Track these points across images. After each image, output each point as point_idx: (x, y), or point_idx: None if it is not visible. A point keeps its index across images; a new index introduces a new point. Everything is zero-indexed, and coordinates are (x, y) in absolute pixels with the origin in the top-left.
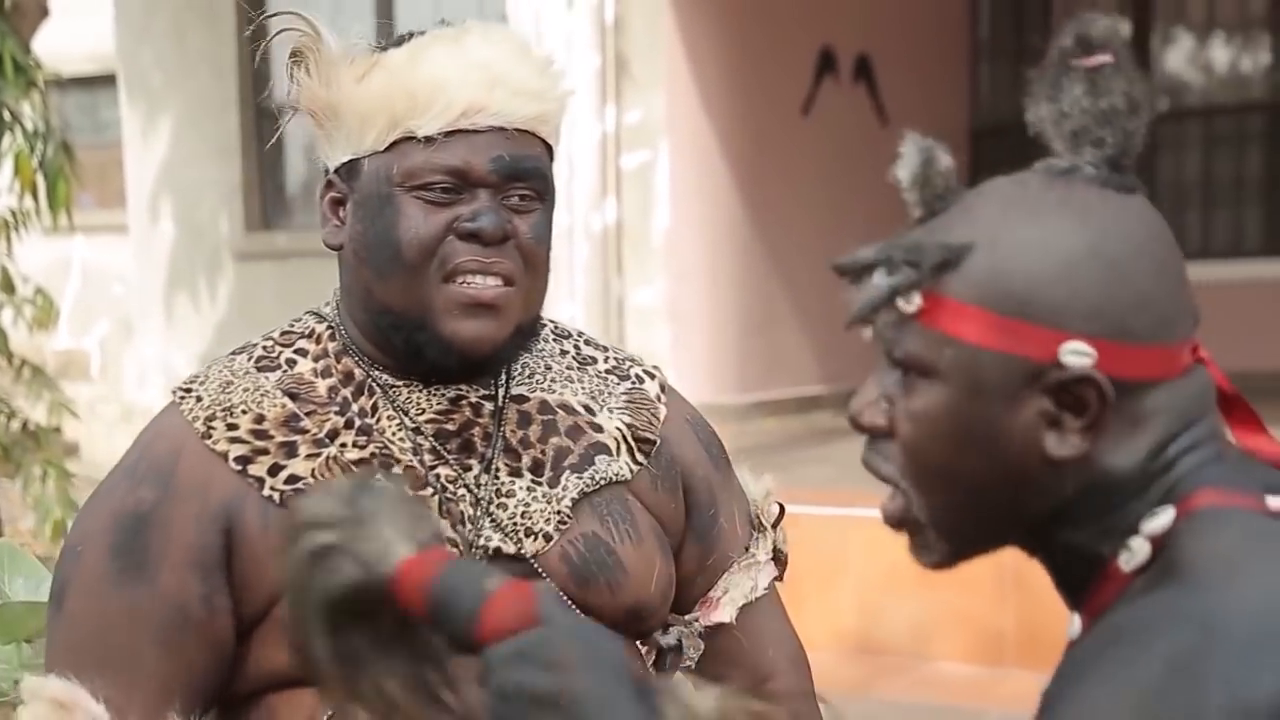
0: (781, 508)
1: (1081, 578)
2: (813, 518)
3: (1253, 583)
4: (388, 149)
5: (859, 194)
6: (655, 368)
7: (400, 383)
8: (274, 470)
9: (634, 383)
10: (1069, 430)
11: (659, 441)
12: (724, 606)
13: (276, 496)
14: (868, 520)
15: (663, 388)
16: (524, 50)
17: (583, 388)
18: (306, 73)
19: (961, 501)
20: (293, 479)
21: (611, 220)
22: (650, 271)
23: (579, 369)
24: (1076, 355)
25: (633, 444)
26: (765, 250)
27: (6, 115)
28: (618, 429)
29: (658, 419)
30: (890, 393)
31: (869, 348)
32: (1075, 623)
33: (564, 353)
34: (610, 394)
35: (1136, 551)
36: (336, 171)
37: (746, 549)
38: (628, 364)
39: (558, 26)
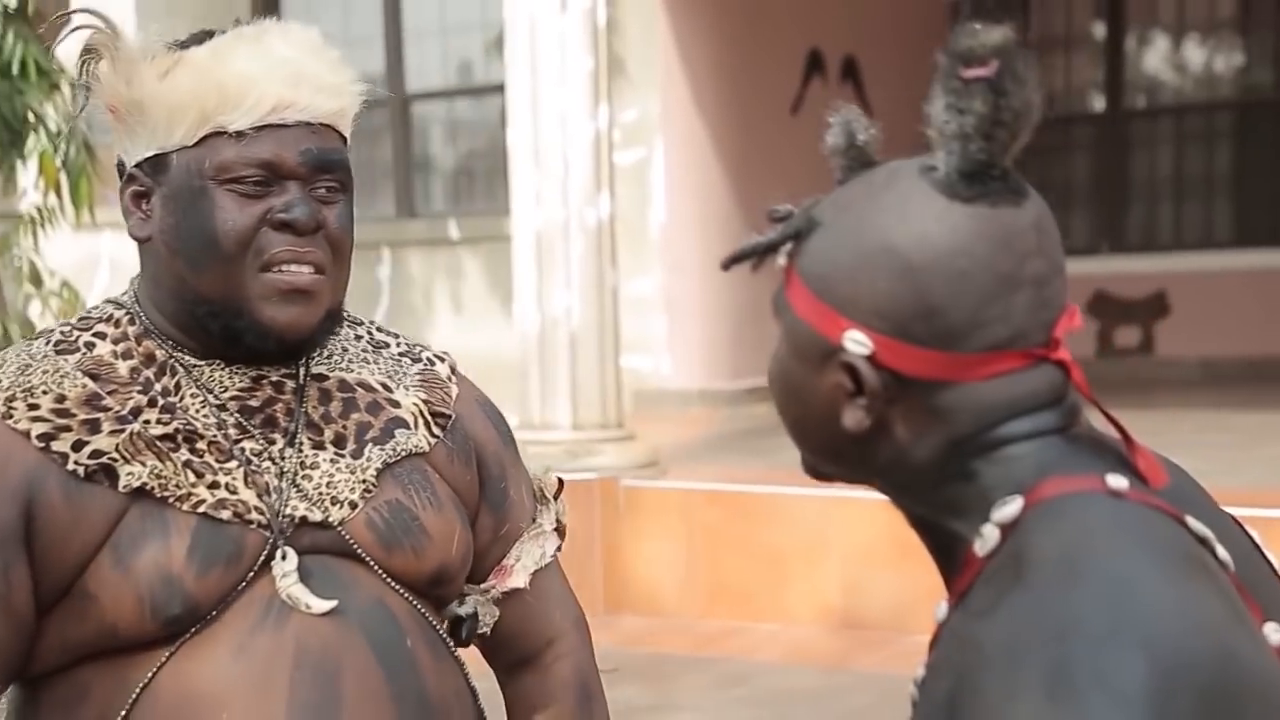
0: (561, 481)
1: (949, 555)
2: (798, 498)
3: (1095, 576)
4: (197, 144)
5: None
6: (445, 353)
7: (203, 363)
8: (77, 446)
9: (426, 365)
10: (858, 405)
11: (454, 417)
12: (518, 573)
13: (80, 471)
14: (850, 500)
15: (452, 369)
16: (320, 48)
17: (379, 368)
18: (101, 69)
19: (797, 434)
20: (96, 454)
21: (605, 214)
22: (647, 263)
23: (374, 352)
24: (854, 343)
25: (429, 418)
26: None
27: (30, 117)
28: (414, 404)
29: (450, 396)
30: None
31: None
32: (941, 607)
33: (359, 337)
34: (405, 374)
35: (988, 538)
36: (139, 165)
37: (534, 519)
38: (418, 349)
39: (551, 28)
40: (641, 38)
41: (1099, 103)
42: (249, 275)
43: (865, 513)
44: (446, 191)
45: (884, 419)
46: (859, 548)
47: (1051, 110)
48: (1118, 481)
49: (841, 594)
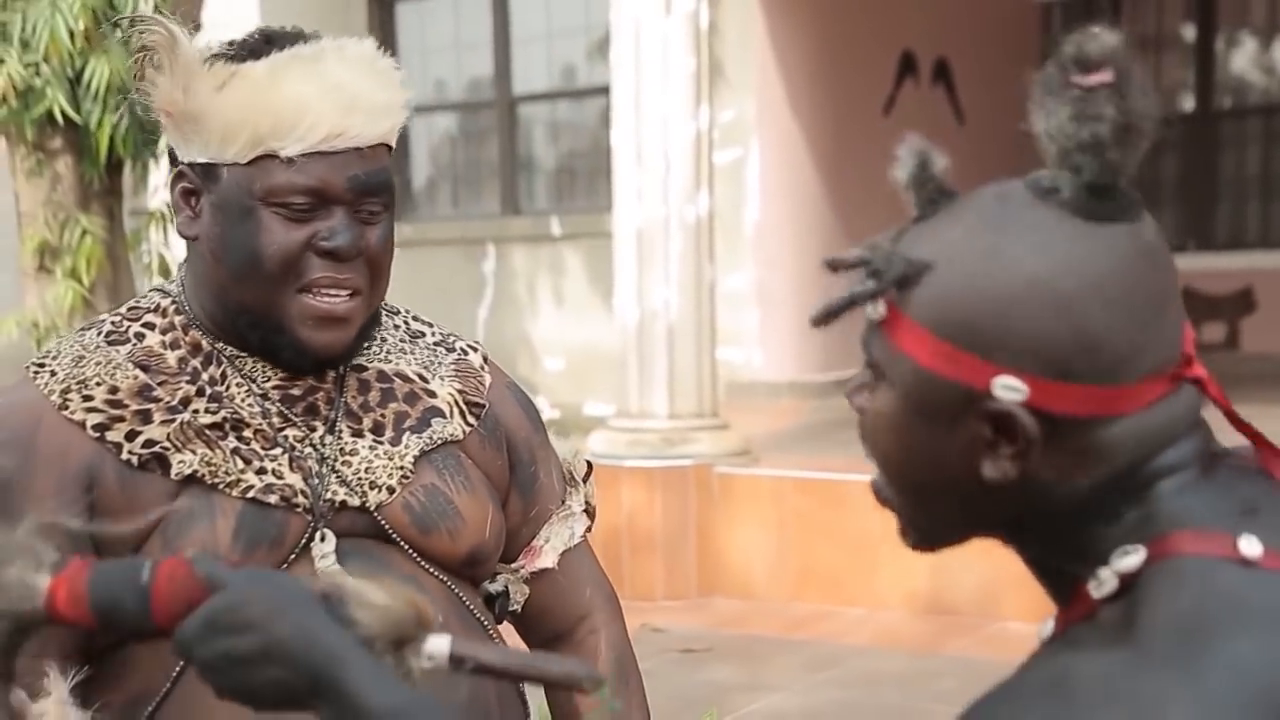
0: (590, 465)
1: (1056, 586)
2: None
3: (1210, 652)
4: (248, 163)
5: None
6: (476, 342)
7: (244, 354)
8: (131, 436)
9: (460, 354)
10: (1001, 456)
11: (487, 405)
12: (546, 553)
13: (134, 460)
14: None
15: (485, 359)
16: (374, 66)
17: (415, 358)
18: (158, 71)
19: (913, 498)
20: (149, 443)
21: (704, 212)
22: (741, 259)
23: (410, 341)
24: (1007, 390)
25: (464, 408)
26: (848, 240)
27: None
28: (450, 394)
29: (484, 385)
30: (866, 381)
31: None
32: (1049, 623)
33: (396, 326)
34: (440, 364)
35: (1105, 583)
36: (190, 165)
37: (563, 502)
38: (452, 338)
39: (655, 31)
40: (739, 40)
41: (1189, 102)
42: (288, 296)
43: None
44: (549, 190)
45: (1029, 467)
46: None
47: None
48: (1251, 547)
49: (929, 579)
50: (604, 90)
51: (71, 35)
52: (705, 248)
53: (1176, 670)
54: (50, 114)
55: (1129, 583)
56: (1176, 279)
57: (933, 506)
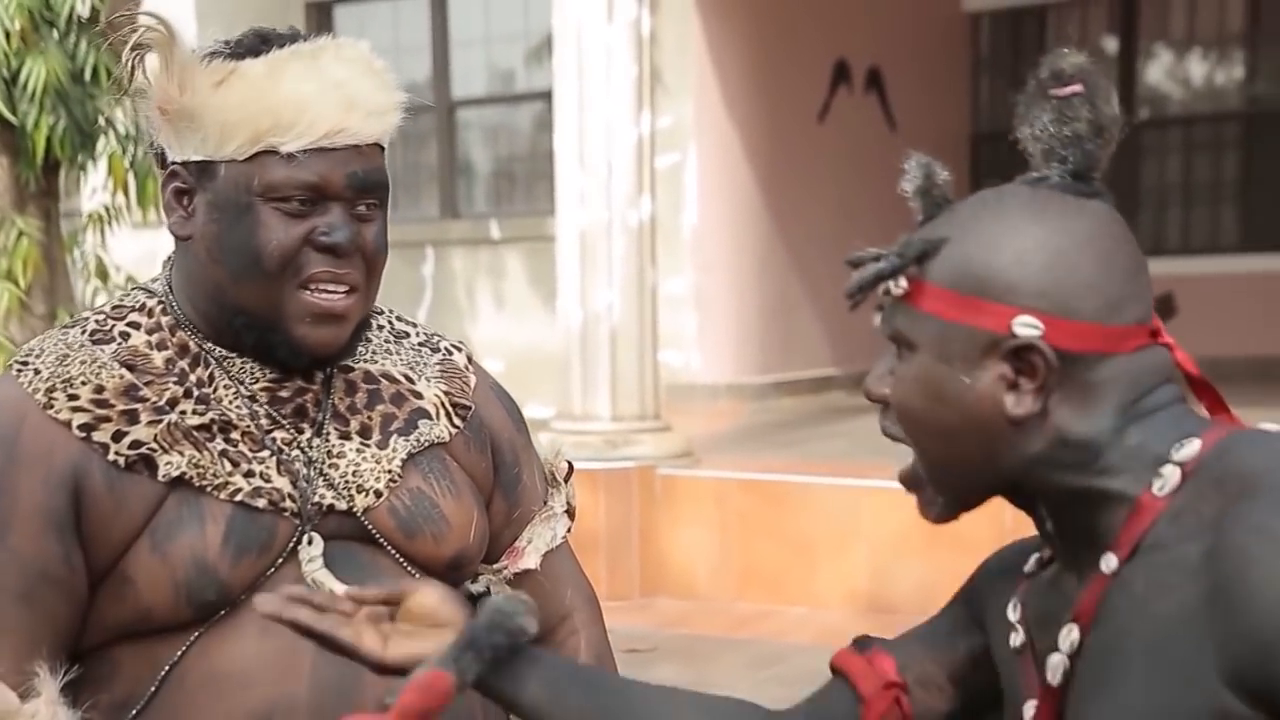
0: (570, 465)
1: (1099, 516)
2: (827, 488)
3: None
4: (247, 159)
5: (870, 194)
6: (460, 342)
7: (233, 355)
8: (117, 436)
9: (444, 355)
10: (1024, 392)
11: (472, 407)
12: (529, 554)
13: (121, 461)
14: (878, 490)
15: (469, 359)
16: (371, 66)
17: (401, 359)
18: (153, 69)
19: (945, 454)
20: (136, 444)
21: (646, 216)
22: (679, 263)
23: (395, 342)
24: (1025, 326)
25: (450, 409)
26: (784, 244)
27: (101, 120)
28: (436, 396)
29: (469, 386)
30: (891, 366)
31: (879, 333)
32: (1110, 558)
33: (380, 327)
34: (425, 364)
35: (1168, 478)
36: (184, 165)
37: (545, 503)
38: (436, 338)
39: (598, 37)
40: (677, 47)
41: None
42: (287, 293)
43: (893, 501)
44: (488, 193)
45: (1047, 402)
46: (887, 535)
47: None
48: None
49: (869, 579)
50: (542, 95)
51: (8, 36)
52: (647, 251)
53: None
54: None
55: (1189, 471)
56: (1144, 259)
57: (965, 459)
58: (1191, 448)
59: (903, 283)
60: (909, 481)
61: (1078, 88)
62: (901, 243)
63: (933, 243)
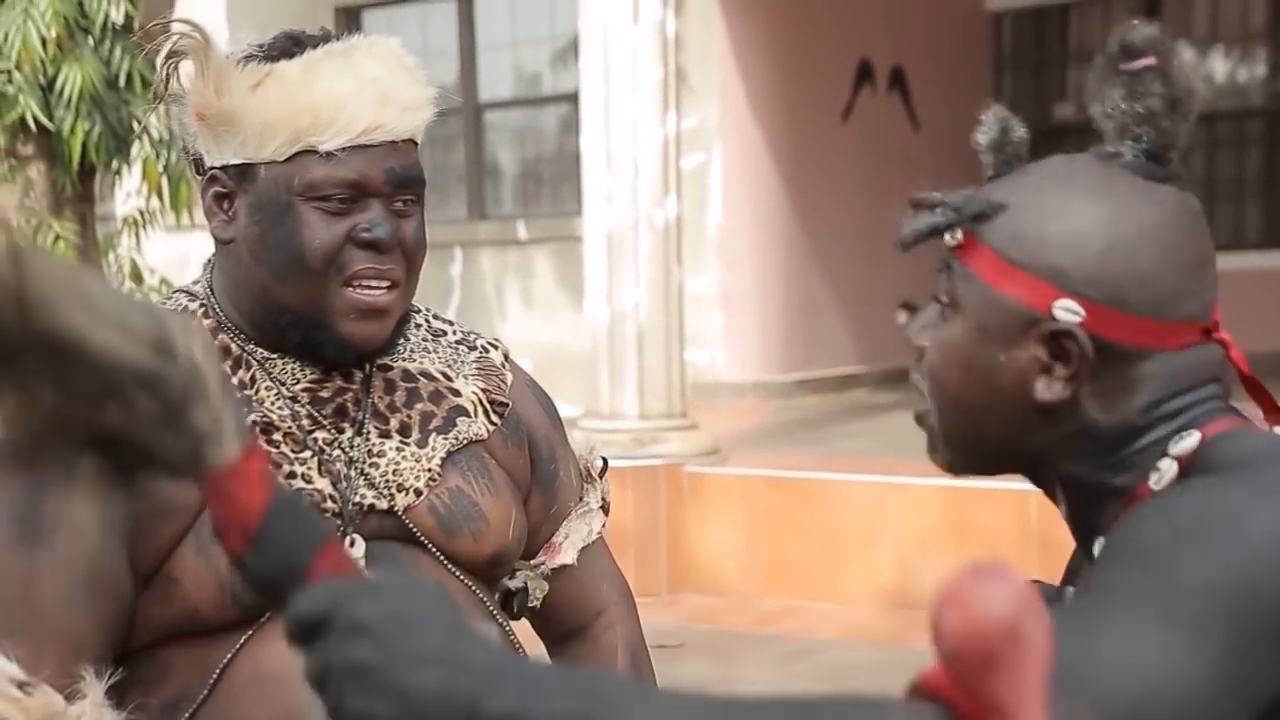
0: (605, 461)
1: (1099, 508)
2: (853, 484)
3: (1270, 485)
4: (286, 160)
5: (893, 192)
6: (496, 340)
7: (275, 356)
8: None
9: (481, 352)
10: (1056, 378)
11: (510, 404)
12: (565, 550)
13: None
14: (904, 486)
15: (505, 356)
16: (403, 63)
17: (439, 357)
18: (190, 75)
19: (964, 422)
20: None
21: (672, 215)
22: (705, 262)
23: (433, 340)
24: (1066, 311)
25: (488, 406)
26: (808, 243)
27: (135, 125)
28: (473, 393)
29: (506, 384)
30: (934, 319)
31: (902, 330)
32: (1100, 544)
33: (418, 326)
34: (463, 362)
35: (1165, 471)
36: (223, 169)
37: (580, 498)
38: (473, 336)
39: (624, 39)
40: (702, 49)
41: None
42: (331, 290)
43: (919, 498)
44: (515, 195)
45: (1078, 390)
46: (913, 531)
47: (1087, 118)
48: None
49: (896, 575)
50: (568, 97)
51: (44, 43)
52: (673, 250)
53: (1249, 485)
54: (23, 120)
55: (1185, 466)
56: (1212, 250)
57: (983, 433)
58: (1190, 441)
59: (958, 234)
60: (922, 423)
61: (1150, 61)
62: (963, 196)
63: (993, 205)
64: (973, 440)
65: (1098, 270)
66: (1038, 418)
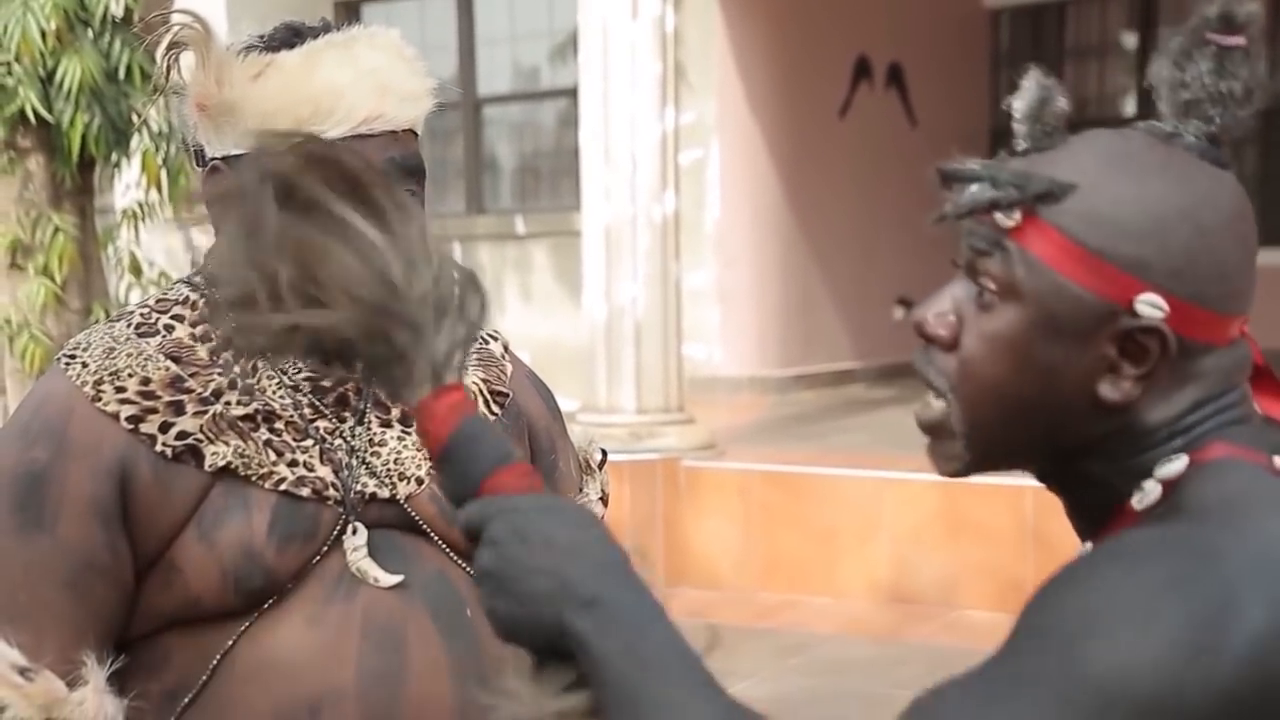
0: (604, 453)
1: (1099, 510)
2: (849, 479)
3: (1251, 524)
4: None
5: (890, 189)
6: (496, 331)
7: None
8: (164, 428)
9: (481, 343)
10: (1125, 377)
11: (510, 395)
12: None
13: (168, 452)
14: (899, 481)
15: (505, 348)
16: (402, 53)
17: None
18: (191, 66)
19: (1002, 422)
20: (182, 435)
21: (670, 210)
22: (702, 257)
23: None
24: (1150, 306)
25: (488, 396)
26: (805, 239)
27: (135, 118)
28: (474, 383)
29: (505, 374)
30: (962, 309)
31: (899, 326)
32: (1086, 549)
33: None
34: None
35: (1148, 492)
36: (225, 160)
37: (580, 489)
38: None
39: (623, 34)
40: (700, 44)
41: (1130, 108)
42: None
43: (915, 493)
44: (513, 189)
45: (1146, 389)
46: (909, 526)
47: (1084, 116)
48: None
49: (891, 570)
50: (567, 92)
51: (43, 35)
52: (671, 245)
53: (1225, 529)
54: (22, 113)
55: (1170, 490)
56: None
57: (1022, 431)
58: (1177, 465)
59: (1016, 215)
60: (933, 428)
61: (1243, 40)
62: (1019, 172)
63: (1060, 186)
64: (1005, 438)
65: (1183, 261)
66: (1089, 417)
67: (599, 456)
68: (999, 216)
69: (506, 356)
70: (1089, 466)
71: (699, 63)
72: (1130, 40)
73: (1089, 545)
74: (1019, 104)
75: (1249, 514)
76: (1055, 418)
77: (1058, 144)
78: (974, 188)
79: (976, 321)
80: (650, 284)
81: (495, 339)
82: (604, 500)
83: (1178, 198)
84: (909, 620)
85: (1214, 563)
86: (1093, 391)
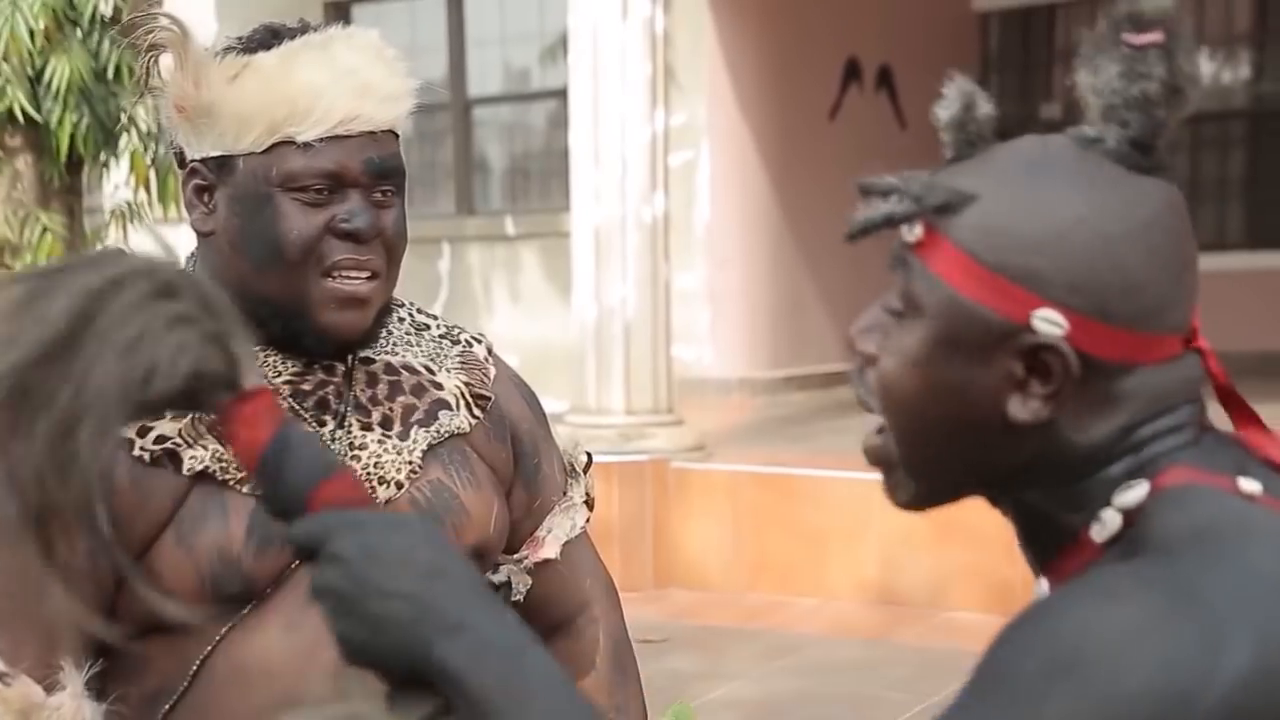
0: (589, 456)
1: (1049, 543)
2: (838, 481)
3: (1225, 557)
4: (264, 151)
5: None
6: (480, 334)
7: (257, 349)
8: (142, 431)
9: (465, 346)
10: (1032, 395)
11: (492, 397)
12: (549, 544)
13: (146, 456)
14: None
15: (489, 350)
16: (382, 54)
17: (421, 350)
18: (168, 68)
19: (924, 443)
20: (161, 439)
21: (660, 212)
22: (692, 259)
23: (416, 334)
24: (1047, 323)
25: (470, 400)
26: (795, 241)
27: (124, 119)
28: (456, 386)
29: (489, 378)
30: (884, 323)
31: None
32: (1043, 585)
33: (401, 319)
34: (446, 356)
35: (1108, 523)
36: (202, 161)
37: (564, 493)
38: (457, 330)
39: (613, 36)
40: (690, 46)
41: None
42: (311, 281)
43: None
44: (503, 190)
45: (1056, 409)
46: (897, 528)
47: (1073, 119)
48: (1250, 485)
49: (880, 571)
50: (557, 93)
51: (32, 34)
52: (661, 247)
53: (1201, 565)
54: (10, 112)
55: (1131, 520)
56: (1196, 252)
57: (944, 454)
58: (1137, 492)
59: (917, 229)
60: (876, 458)
61: (1156, 37)
62: (923, 183)
63: (960, 195)
64: (937, 464)
65: (1083, 275)
66: (1006, 438)
67: (584, 459)
68: (904, 230)
69: (490, 359)
70: (1027, 494)
71: (689, 64)
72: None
73: (1043, 582)
74: (942, 112)
75: (1222, 545)
76: (973, 438)
77: (981, 151)
78: (881, 201)
79: (891, 337)
80: (640, 285)
81: (480, 342)
82: (588, 503)
83: (1080, 207)
84: (897, 621)
85: (1193, 602)
86: (1003, 411)
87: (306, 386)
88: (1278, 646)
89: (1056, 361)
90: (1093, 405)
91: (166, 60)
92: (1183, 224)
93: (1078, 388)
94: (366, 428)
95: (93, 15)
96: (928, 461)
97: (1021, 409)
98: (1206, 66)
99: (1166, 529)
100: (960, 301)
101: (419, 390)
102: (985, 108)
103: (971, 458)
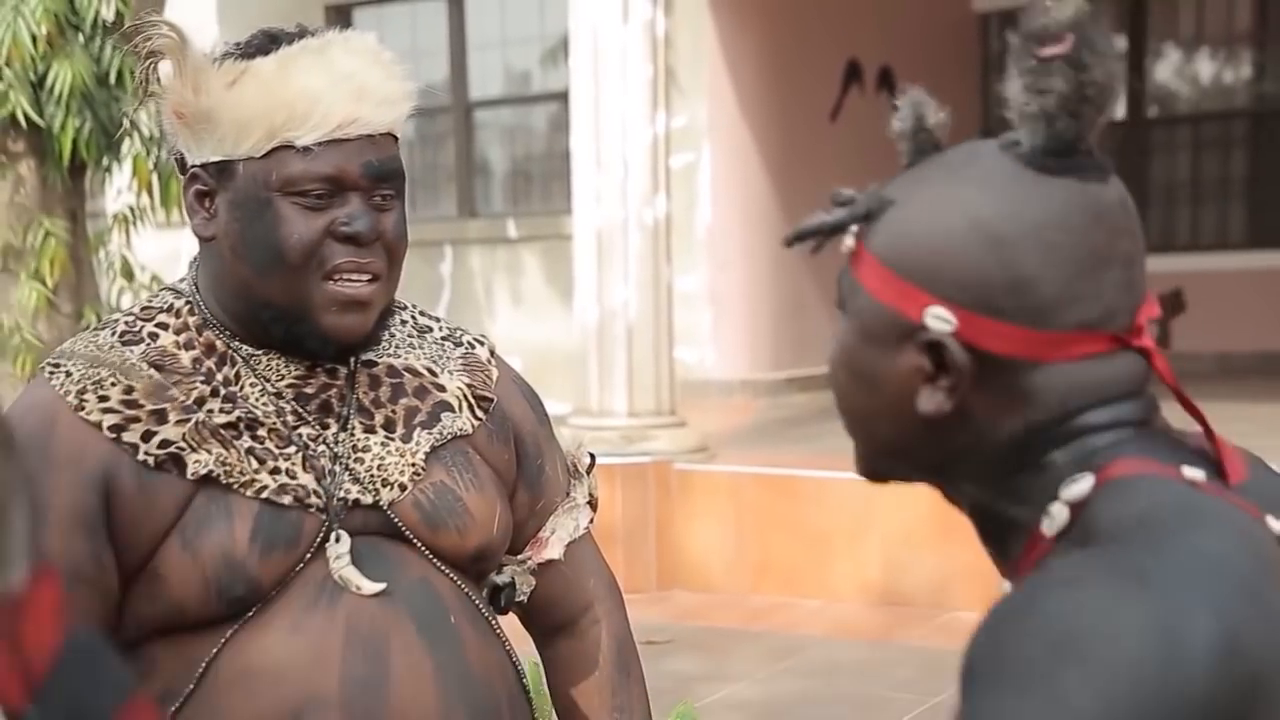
0: (593, 457)
1: (1006, 538)
2: (840, 482)
3: (1170, 541)
4: (263, 155)
5: None
6: (483, 336)
7: (259, 352)
8: (147, 436)
9: (467, 348)
10: (938, 388)
11: (495, 399)
12: (553, 545)
13: (151, 460)
14: (892, 485)
15: (491, 352)
16: (379, 57)
17: (424, 353)
18: (167, 74)
19: (858, 427)
20: (165, 443)
21: (662, 214)
22: (694, 260)
23: (418, 336)
24: (936, 320)
25: (473, 401)
26: None
27: (126, 123)
28: (459, 388)
29: (491, 379)
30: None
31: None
32: (1006, 585)
33: (404, 322)
34: (448, 358)
35: (1056, 516)
36: (203, 167)
37: (567, 494)
38: (459, 332)
39: (614, 38)
40: (691, 48)
41: (1120, 110)
42: (312, 284)
43: (906, 495)
44: (505, 193)
45: (963, 403)
46: (899, 528)
47: None
48: (1194, 473)
49: (883, 572)
50: (558, 96)
51: (34, 39)
52: (662, 249)
53: (1147, 550)
54: (13, 117)
55: (1079, 513)
56: (1135, 246)
57: (877, 437)
58: (1082, 485)
59: (849, 240)
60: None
61: (1060, 49)
62: (862, 194)
63: (881, 201)
64: (871, 445)
65: (969, 273)
66: (927, 429)
67: (587, 460)
68: (844, 240)
69: (492, 361)
70: (961, 487)
71: (690, 66)
72: (1120, 44)
73: (1007, 584)
74: (896, 122)
75: (1166, 530)
76: (897, 427)
77: (929, 157)
78: (816, 216)
79: (834, 333)
80: (642, 287)
81: (482, 343)
82: (592, 504)
83: (978, 208)
84: (901, 622)
85: (1144, 585)
86: (913, 402)
87: (309, 389)
88: (1235, 624)
89: (951, 355)
90: (1000, 399)
91: (166, 66)
92: (1095, 222)
93: (979, 382)
94: (369, 430)
95: (94, 20)
96: (865, 443)
97: (928, 401)
98: (1208, 66)
99: (1113, 518)
100: (871, 301)
101: (422, 392)
102: (935, 117)
103: (899, 445)
